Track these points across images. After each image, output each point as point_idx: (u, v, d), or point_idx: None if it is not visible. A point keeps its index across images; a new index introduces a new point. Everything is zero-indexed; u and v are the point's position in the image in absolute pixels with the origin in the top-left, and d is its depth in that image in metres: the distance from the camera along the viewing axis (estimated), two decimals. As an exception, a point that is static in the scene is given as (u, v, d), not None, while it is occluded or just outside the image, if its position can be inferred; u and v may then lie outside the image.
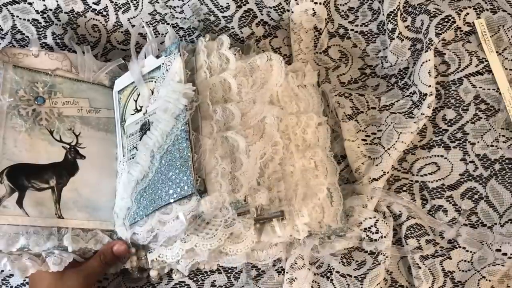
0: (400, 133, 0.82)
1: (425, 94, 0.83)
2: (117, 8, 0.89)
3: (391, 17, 0.88)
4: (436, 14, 0.85)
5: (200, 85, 0.75)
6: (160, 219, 0.68)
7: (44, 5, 0.87)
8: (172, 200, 0.66)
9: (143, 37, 0.89)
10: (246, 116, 0.73)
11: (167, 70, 0.75)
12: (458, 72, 0.86)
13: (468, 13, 0.87)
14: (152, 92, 0.76)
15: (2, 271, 0.78)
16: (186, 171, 0.66)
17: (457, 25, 0.87)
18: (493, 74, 0.85)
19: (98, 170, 0.77)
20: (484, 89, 0.84)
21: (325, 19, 0.92)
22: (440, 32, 0.85)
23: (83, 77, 0.82)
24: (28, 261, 0.67)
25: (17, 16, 0.87)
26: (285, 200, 0.72)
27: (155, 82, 0.76)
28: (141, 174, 0.72)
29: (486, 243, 0.77)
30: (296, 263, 0.76)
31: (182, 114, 0.70)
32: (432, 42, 0.84)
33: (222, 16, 0.89)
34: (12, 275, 0.78)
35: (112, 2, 0.88)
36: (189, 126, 0.69)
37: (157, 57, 0.78)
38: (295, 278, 0.75)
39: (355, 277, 0.76)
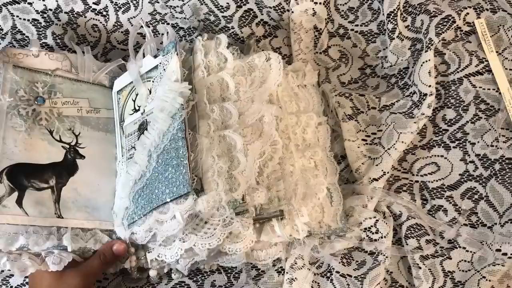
0: (400, 133, 0.82)
1: (425, 94, 0.83)
2: (117, 8, 0.89)
3: (391, 17, 0.88)
4: (436, 14, 0.85)
5: (197, 84, 0.75)
6: (158, 219, 0.68)
7: (44, 5, 0.87)
8: (168, 199, 0.66)
9: (143, 37, 0.90)
10: (244, 115, 0.73)
11: (164, 69, 0.75)
12: (458, 72, 0.85)
13: (468, 13, 0.87)
14: (150, 92, 0.77)
15: (2, 271, 0.78)
16: (182, 170, 0.66)
17: (457, 25, 0.87)
18: (493, 74, 0.84)
19: (97, 170, 0.77)
20: (484, 89, 0.84)
21: (325, 19, 0.92)
22: (440, 32, 0.85)
23: (83, 77, 0.82)
24: (27, 260, 0.67)
25: (17, 16, 0.87)
26: (284, 199, 0.72)
27: (153, 81, 0.77)
28: (138, 173, 0.72)
29: (486, 243, 0.77)
30: (296, 263, 0.76)
31: (178, 113, 0.70)
32: (432, 42, 0.84)
33: (222, 16, 0.89)
34: (12, 275, 0.79)
35: (112, 2, 0.88)
36: (185, 125, 0.69)
37: (155, 56, 0.78)
38: (295, 278, 0.75)
39: (355, 277, 0.76)
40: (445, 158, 0.83)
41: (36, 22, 0.88)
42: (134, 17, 0.90)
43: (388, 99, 0.87)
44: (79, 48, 0.84)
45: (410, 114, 0.84)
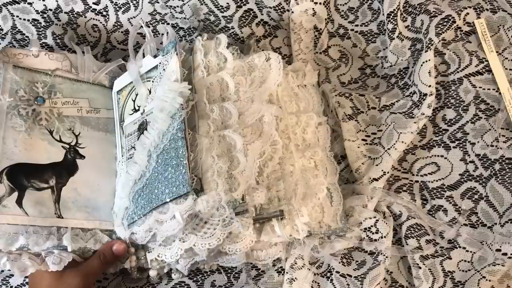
0: (400, 133, 0.82)
1: (425, 94, 0.83)
2: (117, 8, 0.89)
3: (391, 17, 0.88)
4: (436, 14, 0.85)
5: (197, 84, 0.75)
6: (158, 219, 0.68)
7: (44, 5, 0.87)
8: (168, 199, 0.66)
9: (143, 37, 0.90)
10: (244, 115, 0.73)
11: (164, 69, 0.75)
12: (458, 72, 0.85)
13: (468, 13, 0.87)
14: (150, 92, 0.77)
15: (2, 271, 0.78)
16: (182, 170, 0.66)
17: (457, 25, 0.87)
18: (493, 74, 0.84)
19: (97, 170, 0.77)
20: (484, 89, 0.84)
21: (325, 19, 0.92)
22: (440, 32, 0.85)
23: (83, 77, 0.82)
24: (27, 260, 0.67)
25: (17, 16, 0.87)
26: (284, 199, 0.72)
27: (153, 81, 0.77)
28: (138, 173, 0.72)
29: (486, 243, 0.77)
30: (296, 263, 0.76)
31: (178, 113, 0.70)
32: (432, 42, 0.84)
33: (222, 16, 0.89)
34: (12, 275, 0.79)
35: (112, 2, 0.88)
36: (185, 125, 0.69)
37: (155, 56, 0.78)
38: (295, 278, 0.75)
39: (355, 277, 0.76)
40: (445, 158, 0.83)
41: (36, 22, 0.88)
42: (134, 17, 0.90)
43: (388, 99, 0.87)
44: (79, 48, 0.84)
45: (410, 114, 0.84)
